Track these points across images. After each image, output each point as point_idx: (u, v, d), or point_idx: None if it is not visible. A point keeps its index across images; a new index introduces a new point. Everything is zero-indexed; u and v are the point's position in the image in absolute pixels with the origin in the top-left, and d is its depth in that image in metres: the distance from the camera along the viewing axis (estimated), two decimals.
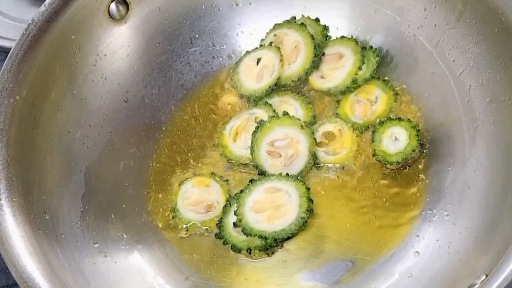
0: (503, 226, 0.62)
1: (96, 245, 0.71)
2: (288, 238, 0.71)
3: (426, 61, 0.76)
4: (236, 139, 0.77)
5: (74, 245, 0.69)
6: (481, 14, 0.68)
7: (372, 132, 0.75)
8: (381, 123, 0.75)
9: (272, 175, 0.73)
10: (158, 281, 0.72)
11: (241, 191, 0.73)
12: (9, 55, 0.68)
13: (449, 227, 0.69)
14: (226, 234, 0.72)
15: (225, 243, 0.72)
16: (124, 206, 0.75)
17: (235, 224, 0.71)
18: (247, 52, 0.82)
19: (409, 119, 0.74)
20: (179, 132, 0.80)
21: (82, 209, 0.72)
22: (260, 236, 0.70)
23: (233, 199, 0.74)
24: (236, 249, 0.71)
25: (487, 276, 0.56)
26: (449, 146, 0.73)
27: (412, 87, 0.77)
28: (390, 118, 0.75)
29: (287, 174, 0.73)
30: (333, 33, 0.82)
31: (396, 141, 0.73)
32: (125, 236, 0.73)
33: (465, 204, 0.68)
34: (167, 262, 0.74)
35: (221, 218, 0.74)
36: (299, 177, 0.73)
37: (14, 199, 0.65)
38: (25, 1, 0.97)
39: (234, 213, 0.72)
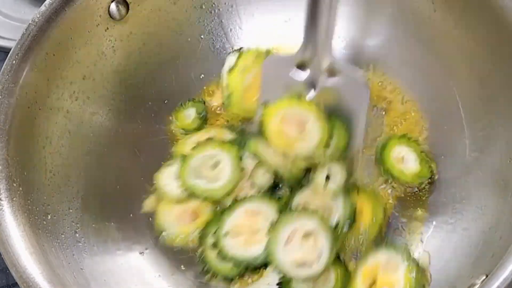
0: (503, 227, 0.62)
1: (96, 245, 0.71)
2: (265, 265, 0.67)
3: (426, 62, 0.76)
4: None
5: (74, 245, 0.69)
6: (482, 15, 0.68)
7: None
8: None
9: (252, 196, 0.69)
10: (158, 281, 0.72)
11: (222, 212, 0.69)
12: (9, 55, 0.68)
13: (449, 227, 0.69)
14: (212, 266, 0.68)
15: (214, 276, 0.68)
16: (124, 206, 0.75)
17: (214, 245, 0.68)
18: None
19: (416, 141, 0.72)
20: (180, 132, 0.80)
21: (82, 209, 0.72)
22: (234, 263, 0.66)
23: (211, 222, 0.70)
24: (228, 279, 0.68)
25: (487, 276, 0.56)
26: (449, 147, 0.73)
27: (411, 87, 0.77)
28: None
29: (270, 194, 0.69)
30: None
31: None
32: (125, 236, 0.73)
33: (465, 204, 0.69)
34: (166, 262, 0.74)
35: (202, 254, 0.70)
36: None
37: (14, 199, 0.65)
38: (25, 1, 0.97)
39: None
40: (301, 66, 0.60)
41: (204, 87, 0.82)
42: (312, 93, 0.60)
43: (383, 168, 0.70)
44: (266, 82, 0.62)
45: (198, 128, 0.78)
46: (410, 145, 0.72)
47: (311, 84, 0.60)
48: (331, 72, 0.59)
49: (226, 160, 0.69)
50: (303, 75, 0.60)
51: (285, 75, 0.61)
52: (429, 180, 0.71)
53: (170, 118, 0.80)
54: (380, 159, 0.71)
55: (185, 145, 0.75)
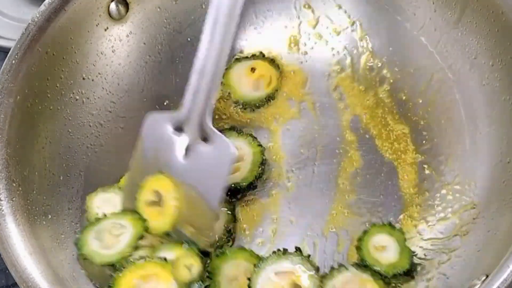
0: (503, 227, 0.62)
1: None
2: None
3: (426, 61, 0.76)
4: None
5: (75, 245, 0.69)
6: (482, 14, 0.68)
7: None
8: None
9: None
10: None
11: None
12: (9, 55, 0.68)
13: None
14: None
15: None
16: None
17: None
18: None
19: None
20: None
21: (82, 209, 0.72)
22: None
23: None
24: None
25: (487, 276, 0.56)
26: (449, 147, 0.72)
27: (411, 87, 0.77)
28: None
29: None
30: (333, 31, 0.81)
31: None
32: None
33: (465, 205, 0.68)
34: None
35: None
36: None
37: (14, 199, 0.65)
38: (25, 1, 0.97)
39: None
40: (178, 129, 0.66)
41: None
42: (183, 154, 0.66)
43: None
44: (147, 139, 0.68)
45: None
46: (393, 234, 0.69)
47: (186, 146, 0.66)
48: (204, 138, 0.65)
49: (128, 234, 0.68)
50: (179, 138, 0.66)
51: (164, 133, 0.67)
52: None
53: None
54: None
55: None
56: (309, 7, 0.82)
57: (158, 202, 0.67)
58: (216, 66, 0.64)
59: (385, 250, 0.67)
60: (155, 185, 0.67)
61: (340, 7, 0.81)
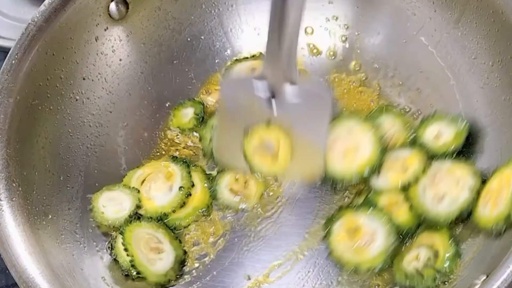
0: None
1: (96, 245, 0.71)
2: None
3: (426, 61, 0.76)
4: (141, 187, 0.73)
5: (74, 245, 0.69)
6: (482, 14, 0.68)
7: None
8: None
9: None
10: None
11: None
12: (9, 55, 0.68)
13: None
14: None
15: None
16: None
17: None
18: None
19: None
20: (179, 133, 0.80)
21: (82, 209, 0.72)
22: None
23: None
24: None
25: (487, 276, 0.56)
26: None
27: (411, 87, 0.77)
28: None
29: None
30: (333, 31, 0.81)
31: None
32: None
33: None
34: None
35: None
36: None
37: (14, 199, 0.65)
38: (25, 1, 0.97)
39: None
40: (261, 78, 0.62)
41: (203, 86, 0.82)
42: (273, 106, 0.62)
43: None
44: (227, 103, 0.65)
45: (193, 129, 0.78)
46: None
47: (271, 94, 0.62)
48: (292, 81, 0.61)
49: (169, 252, 0.69)
50: (262, 87, 0.62)
51: (245, 95, 0.63)
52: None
53: (170, 117, 0.80)
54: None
55: (132, 178, 0.74)
56: (307, 9, 0.82)
57: (268, 151, 0.66)
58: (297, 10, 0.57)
59: (441, 136, 0.70)
60: (264, 135, 0.66)
61: (337, 17, 0.81)
